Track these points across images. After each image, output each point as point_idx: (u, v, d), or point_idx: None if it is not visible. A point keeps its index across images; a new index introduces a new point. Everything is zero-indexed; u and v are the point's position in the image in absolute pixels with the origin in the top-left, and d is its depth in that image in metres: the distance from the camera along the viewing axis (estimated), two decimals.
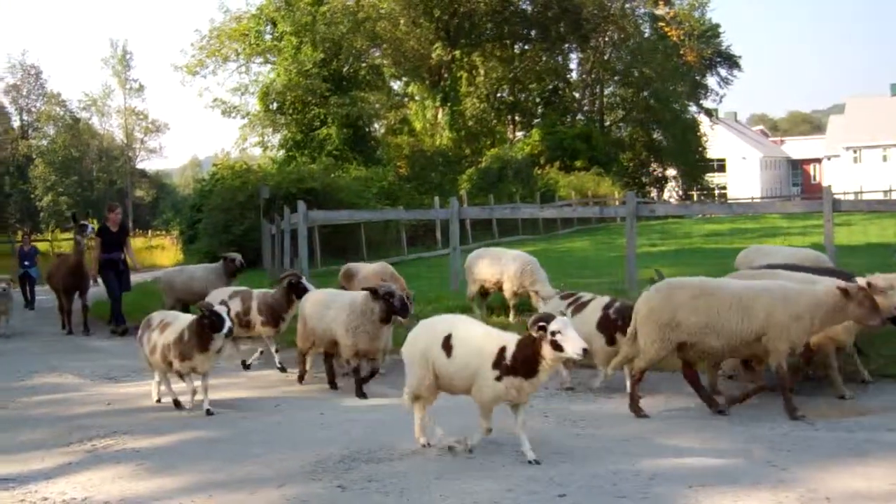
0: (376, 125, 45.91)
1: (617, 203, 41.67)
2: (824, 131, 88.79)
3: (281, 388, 10.15)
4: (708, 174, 71.99)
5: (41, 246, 34.59)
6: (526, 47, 57.79)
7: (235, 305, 11.01)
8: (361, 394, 9.34)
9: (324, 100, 38.64)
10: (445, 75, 51.40)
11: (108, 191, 76.31)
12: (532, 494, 5.90)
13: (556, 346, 6.24)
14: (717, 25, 67.28)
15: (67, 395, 10.07)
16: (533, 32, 56.10)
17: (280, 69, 40.32)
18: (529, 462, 6.50)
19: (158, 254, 43.93)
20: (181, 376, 9.08)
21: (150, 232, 64.31)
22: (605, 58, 60.64)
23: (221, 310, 8.79)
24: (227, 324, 8.60)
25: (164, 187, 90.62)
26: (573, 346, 6.20)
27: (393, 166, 41.97)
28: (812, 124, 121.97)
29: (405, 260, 24.98)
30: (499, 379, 6.43)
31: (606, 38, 59.65)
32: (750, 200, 63.09)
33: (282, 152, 40.62)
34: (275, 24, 41.53)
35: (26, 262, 20.97)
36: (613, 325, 8.81)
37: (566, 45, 58.69)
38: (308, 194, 24.02)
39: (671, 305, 7.86)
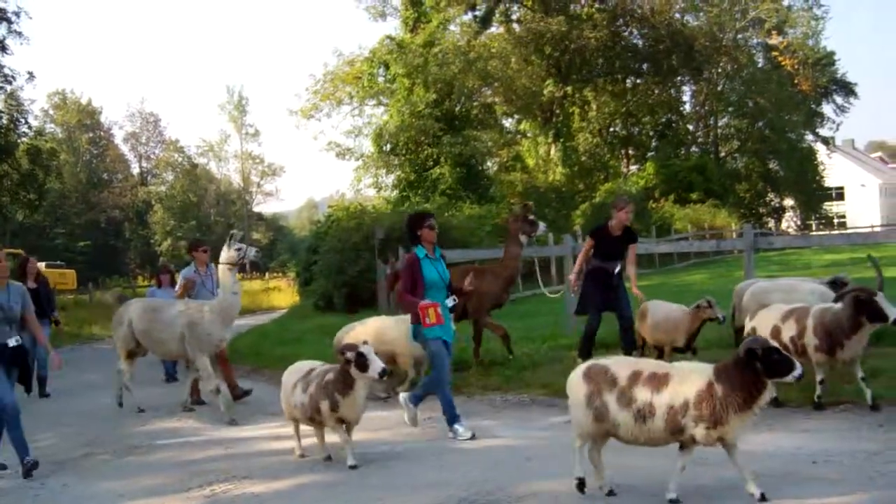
0: (489, 163, 45.95)
1: (734, 235, 40.86)
2: None
3: (397, 429, 9.96)
4: (826, 203, 70.33)
5: None
6: (638, 81, 57.28)
7: (790, 329, 9.11)
8: None
9: (436, 140, 38.83)
10: (557, 111, 51.25)
11: (226, 234, 78.25)
12: None
13: None
14: (832, 53, 65.76)
15: (187, 440, 10.16)
16: (644, 66, 55.59)
17: (393, 111, 40.73)
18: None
19: (275, 295, 44.63)
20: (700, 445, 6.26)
21: (266, 274, 65.54)
22: (719, 89, 59.78)
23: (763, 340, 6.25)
24: (798, 367, 6.04)
25: (281, 229, 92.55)
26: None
27: (506, 203, 41.89)
28: None
29: (521, 297, 24.79)
30: None
31: (719, 70, 58.77)
32: (870, 228, 61.29)
33: (395, 192, 40.92)
34: (387, 67, 42.01)
35: None
36: None
37: (678, 78, 58.05)
38: None
39: None
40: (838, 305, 8.89)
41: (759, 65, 60.00)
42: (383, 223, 26.07)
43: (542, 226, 12.81)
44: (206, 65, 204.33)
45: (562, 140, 50.20)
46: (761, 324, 9.34)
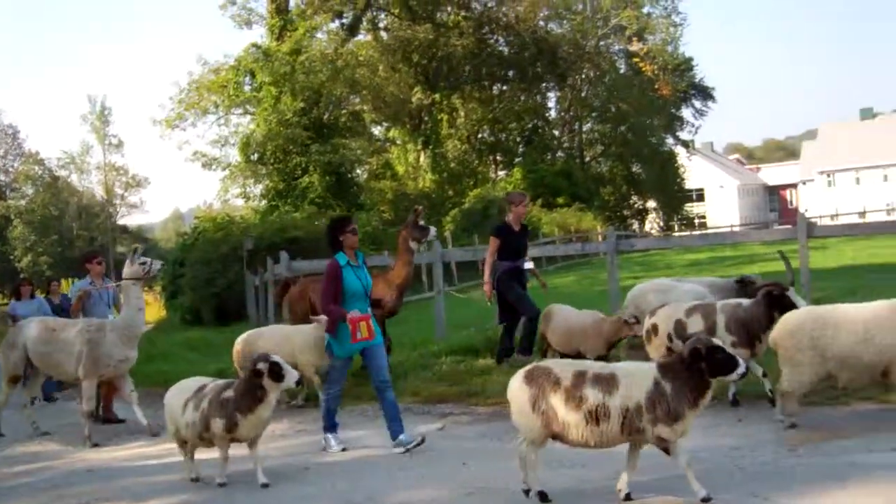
0: (358, 171, 45.81)
1: (600, 237, 41.68)
2: (798, 157, 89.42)
3: (265, 444, 9.66)
4: (687, 204, 72.42)
5: None
6: (504, 88, 57.99)
7: (696, 324, 9.02)
8: None
9: (305, 148, 38.51)
10: (426, 118, 51.55)
11: (90, 248, 76.12)
12: None
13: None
14: (690, 59, 67.72)
15: (48, 464, 9.82)
16: (510, 73, 56.26)
17: (260, 119, 40.21)
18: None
19: None
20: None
21: None
22: (583, 95, 60.89)
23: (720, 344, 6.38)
24: (742, 365, 6.27)
25: (146, 242, 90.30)
26: None
27: (376, 211, 41.87)
28: (786, 151, 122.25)
29: None
30: None
31: (583, 76, 59.95)
32: (729, 228, 63.28)
33: (264, 202, 40.44)
34: (253, 75, 41.46)
35: None
36: None
37: (544, 84, 58.92)
38: (292, 243, 23.87)
39: None
40: (747, 301, 9.17)
41: (621, 71, 61.50)
42: (252, 233, 25.81)
43: (432, 230, 12.64)
44: (67, 75, 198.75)
45: (431, 147, 50.52)
46: (663, 320, 9.37)
